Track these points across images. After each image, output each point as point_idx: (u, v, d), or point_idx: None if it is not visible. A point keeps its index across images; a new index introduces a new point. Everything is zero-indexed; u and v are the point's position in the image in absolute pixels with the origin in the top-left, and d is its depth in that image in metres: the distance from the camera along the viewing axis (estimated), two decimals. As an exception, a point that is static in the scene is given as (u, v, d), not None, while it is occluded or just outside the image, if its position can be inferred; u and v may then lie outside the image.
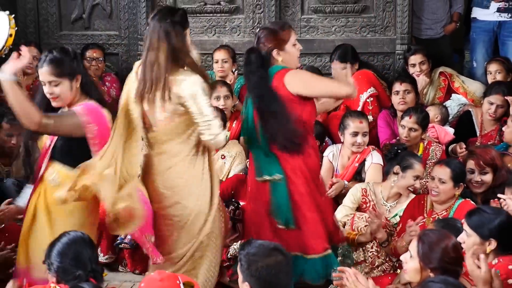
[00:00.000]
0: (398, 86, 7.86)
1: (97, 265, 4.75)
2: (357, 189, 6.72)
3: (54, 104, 5.46)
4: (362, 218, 6.44)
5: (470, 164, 6.48)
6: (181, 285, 4.61)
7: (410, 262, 4.78)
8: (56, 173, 5.43)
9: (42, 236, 5.39)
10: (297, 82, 5.69)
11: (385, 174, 6.73)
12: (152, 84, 5.30)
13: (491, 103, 7.64)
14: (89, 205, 5.48)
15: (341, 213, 6.62)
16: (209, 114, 5.34)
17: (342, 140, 7.29)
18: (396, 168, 6.54)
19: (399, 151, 6.72)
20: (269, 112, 5.68)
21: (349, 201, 6.69)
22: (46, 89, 5.43)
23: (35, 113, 5.13)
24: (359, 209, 6.66)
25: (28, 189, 5.68)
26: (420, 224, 5.93)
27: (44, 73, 5.40)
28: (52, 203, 5.41)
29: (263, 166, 5.86)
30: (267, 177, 5.83)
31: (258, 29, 6.08)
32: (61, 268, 4.64)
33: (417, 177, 6.48)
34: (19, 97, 5.14)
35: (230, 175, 7.19)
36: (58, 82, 5.40)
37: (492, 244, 4.87)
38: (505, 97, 7.50)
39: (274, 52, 5.78)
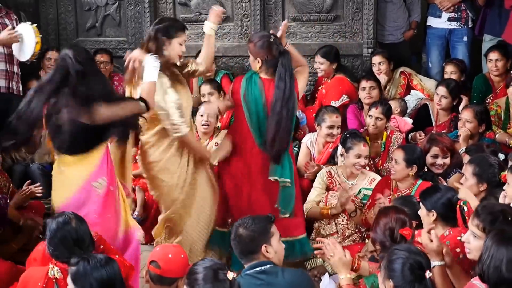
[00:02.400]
0: (364, 83, 7.92)
1: (85, 240, 4.62)
2: (323, 173, 6.72)
3: None
4: (335, 196, 6.43)
5: (435, 150, 6.53)
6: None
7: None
8: None
9: None
10: None
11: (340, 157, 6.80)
12: None
13: (437, 94, 7.73)
14: None
15: (314, 194, 6.63)
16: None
17: (318, 131, 7.24)
18: (342, 150, 6.63)
19: (347, 135, 6.72)
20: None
21: (318, 184, 6.68)
22: None
23: None
24: (327, 189, 6.66)
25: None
26: (388, 197, 5.96)
27: None
28: None
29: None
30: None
31: (272, 36, 5.97)
32: (54, 255, 4.57)
33: (359, 156, 6.49)
34: None
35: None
36: None
37: (434, 215, 4.98)
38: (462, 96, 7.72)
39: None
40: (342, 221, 6.35)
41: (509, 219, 4.30)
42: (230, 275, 3.84)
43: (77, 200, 5.33)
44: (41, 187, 6.63)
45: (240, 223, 4.59)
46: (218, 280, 3.82)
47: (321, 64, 8.29)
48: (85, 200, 5.34)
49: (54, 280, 4.50)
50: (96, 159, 5.33)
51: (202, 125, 7.21)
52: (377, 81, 8.06)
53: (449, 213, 5.03)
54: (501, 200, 4.89)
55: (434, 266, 4.40)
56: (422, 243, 4.55)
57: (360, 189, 6.58)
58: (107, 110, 5.10)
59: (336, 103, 7.98)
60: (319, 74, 8.44)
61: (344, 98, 8.11)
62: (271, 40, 5.87)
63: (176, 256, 4.64)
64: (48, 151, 7.29)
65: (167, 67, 5.78)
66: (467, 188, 5.37)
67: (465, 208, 5.21)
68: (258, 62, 5.86)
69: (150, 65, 5.40)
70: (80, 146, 5.28)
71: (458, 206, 5.18)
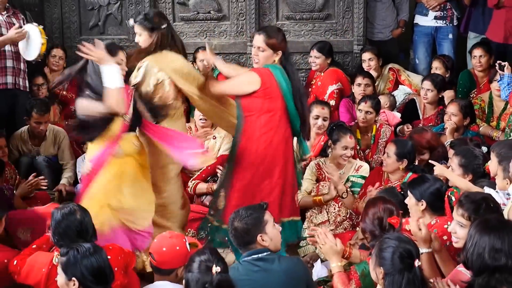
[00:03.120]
0: (360, 80, 7.98)
1: (89, 231, 4.65)
2: (312, 165, 6.72)
3: None
4: (325, 185, 6.41)
5: None
6: (187, 243, 4.61)
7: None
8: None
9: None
10: None
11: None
12: None
13: (423, 88, 7.76)
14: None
15: (304, 185, 6.56)
16: None
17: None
18: (329, 142, 6.62)
19: (334, 127, 6.75)
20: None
21: (308, 175, 6.67)
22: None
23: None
24: (317, 180, 6.66)
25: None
26: (378, 189, 5.96)
27: None
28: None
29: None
30: None
31: (279, 29, 5.96)
32: (59, 244, 4.58)
33: (346, 148, 6.48)
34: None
35: (220, 152, 7.05)
36: None
37: (423, 204, 4.96)
38: (442, 94, 7.77)
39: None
40: (334, 209, 6.33)
41: (491, 205, 4.33)
42: (214, 269, 3.86)
43: None
44: (46, 180, 6.64)
45: (235, 216, 4.56)
46: (205, 273, 3.86)
47: (316, 58, 8.33)
48: None
49: (57, 267, 4.50)
50: None
51: (200, 119, 7.17)
52: (372, 78, 8.11)
53: (437, 203, 5.02)
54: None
55: (422, 253, 4.42)
56: (410, 231, 4.56)
57: (348, 177, 6.58)
58: None
59: (332, 87, 8.12)
60: (313, 68, 8.45)
61: (339, 84, 8.22)
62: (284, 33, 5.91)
63: (171, 249, 4.61)
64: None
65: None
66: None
67: (453, 198, 5.24)
68: (278, 54, 5.70)
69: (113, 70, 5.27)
70: None
71: (446, 196, 5.20)
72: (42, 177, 6.67)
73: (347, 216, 6.32)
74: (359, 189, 6.46)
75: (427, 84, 7.71)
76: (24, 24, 7.77)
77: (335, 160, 6.55)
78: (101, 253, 4.16)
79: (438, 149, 6.58)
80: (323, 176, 6.62)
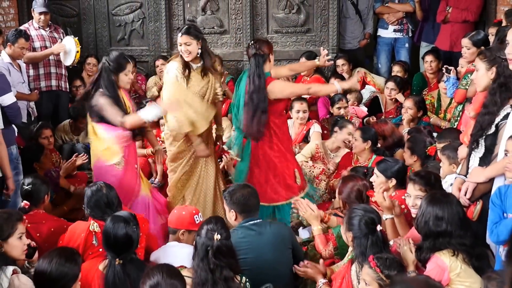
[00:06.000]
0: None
1: (114, 203, 4.69)
2: (313, 144, 6.74)
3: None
4: (318, 168, 6.43)
5: None
6: (195, 216, 4.67)
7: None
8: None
9: None
10: (274, 90, 5.48)
11: (330, 135, 6.82)
12: None
13: (387, 88, 7.79)
14: None
15: (299, 159, 6.52)
16: None
17: (291, 117, 7.23)
18: (336, 128, 6.60)
19: (338, 119, 6.81)
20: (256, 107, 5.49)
21: (306, 152, 6.68)
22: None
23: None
24: (312, 157, 6.64)
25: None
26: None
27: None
28: None
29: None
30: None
31: (252, 41, 5.73)
32: (91, 215, 4.65)
33: (350, 133, 6.48)
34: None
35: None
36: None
37: (393, 182, 4.95)
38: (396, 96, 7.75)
39: (271, 57, 5.57)
40: (316, 185, 6.31)
41: (436, 177, 4.50)
42: (215, 236, 3.88)
43: None
44: (86, 155, 6.65)
45: (234, 189, 4.58)
46: (209, 238, 3.87)
47: (306, 62, 8.21)
48: None
49: (93, 233, 4.56)
50: None
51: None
52: (344, 80, 8.01)
53: (400, 178, 5.00)
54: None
55: (386, 219, 4.46)
56: (377, 201, 4.60)
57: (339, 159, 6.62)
58: None
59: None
60: (302, 73, 8.33)
61: (314, 92, 8.16)
62: None
63: (178, 212, 4.76)
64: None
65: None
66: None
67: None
68: None
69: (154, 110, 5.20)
70: None
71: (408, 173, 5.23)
72: (82, 154, 6.71)
73: (326, 191, 6.33)
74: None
75: (391, 84, 7.74)
76: (63, 37, 7.87)
77: (339, 142, 6.56)
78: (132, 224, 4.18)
79: (389, 139, 6.56)
80: (319, 154, 6.64)
